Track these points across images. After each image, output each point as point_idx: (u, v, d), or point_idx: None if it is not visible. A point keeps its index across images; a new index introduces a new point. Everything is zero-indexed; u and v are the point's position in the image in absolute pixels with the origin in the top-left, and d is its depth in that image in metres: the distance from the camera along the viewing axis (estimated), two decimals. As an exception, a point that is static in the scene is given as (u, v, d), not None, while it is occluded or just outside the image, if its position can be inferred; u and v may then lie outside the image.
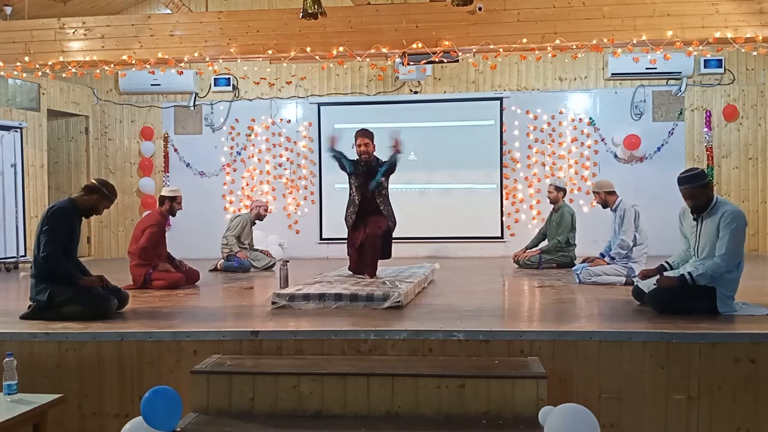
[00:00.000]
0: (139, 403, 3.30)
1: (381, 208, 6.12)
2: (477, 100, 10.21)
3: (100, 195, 4.77)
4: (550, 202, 8.23)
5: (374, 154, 6.19)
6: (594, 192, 6.72)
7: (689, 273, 4.44)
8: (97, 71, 7.91)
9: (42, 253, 4.55)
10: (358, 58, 7.25)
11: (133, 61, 7.46)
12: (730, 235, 4.33)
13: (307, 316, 4.57)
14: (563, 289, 6.02)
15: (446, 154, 10.14)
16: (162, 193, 6.95)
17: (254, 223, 8.45)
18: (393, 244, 6.26)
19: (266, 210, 8.51)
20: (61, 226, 4.60)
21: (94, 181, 4.91)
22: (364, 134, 6.16)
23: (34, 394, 3.53)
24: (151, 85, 10.21)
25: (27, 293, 4.75)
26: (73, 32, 7.50)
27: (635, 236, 6.29)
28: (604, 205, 6.58)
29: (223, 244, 8.17)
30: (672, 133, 9.89)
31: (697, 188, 4.45)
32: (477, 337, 3.90)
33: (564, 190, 8.25)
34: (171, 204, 6.74)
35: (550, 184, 8.24)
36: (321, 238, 10.43)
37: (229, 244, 8.11)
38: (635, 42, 6.79)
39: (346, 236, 6.34)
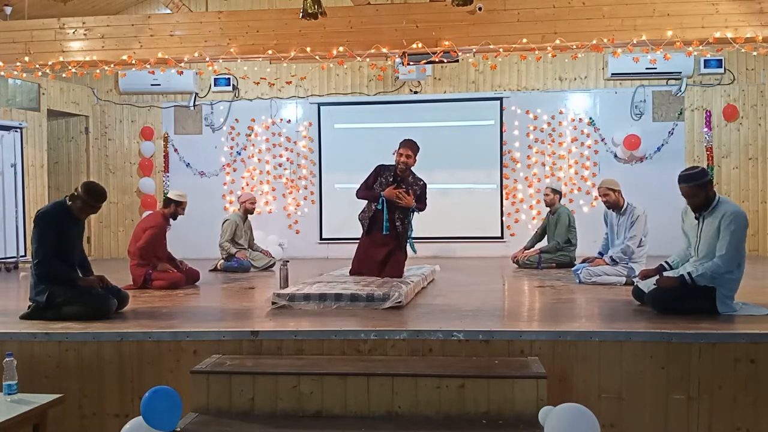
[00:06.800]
0: (139, 403, 3.30)
1: (397, 224, 6.08)
2: (477, 100, 10.21)
3: (81, 202, 4.61)
4: (547, 205, 8.27)
5: (411, 168, 6.18)
6: (610, 189, 6.28)
7: (689, 273, 4.43)
8: (97, 71, 7.91)
9: (35, 260, 4.55)
10: (358, 58, 7.24)
11: (133, 61, 7.46)
12: (731, 236, 4.32)
13: (307, 316, 4.57)
14: (563, 289, 6.02)
15: (446, 154, 10.13)
16: (169, 195, 6.86)
17: (246, 218, 8.37)
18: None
19: (252, 203, 8.39)
20: (48, 231, 4.54)
21: (78, 187, 4.71)
22: (408, 145, 6.11)
23: (34, 394, 3.53)
24: (151, 85, 10.22)
25: (27, 293, 4.74)
26: (73, 32, 7.50)
27: (641, 239, 6.24)
28: (612, 206, 6.32)
29: (221, 250, 8.17)
30: (672, 133, 9.89)
31: (696, 187, 4.42)
32: (477, 337, 3.90)
33: (560, 193, 8.28)
34: (176, 208, 6.73)
35: (547, 187, 8.28)
36: (321, 238, 10.43)
37: (225, 249, 8.10)
38: (635, 42, 6.79)
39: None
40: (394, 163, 6.17)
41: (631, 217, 6.22)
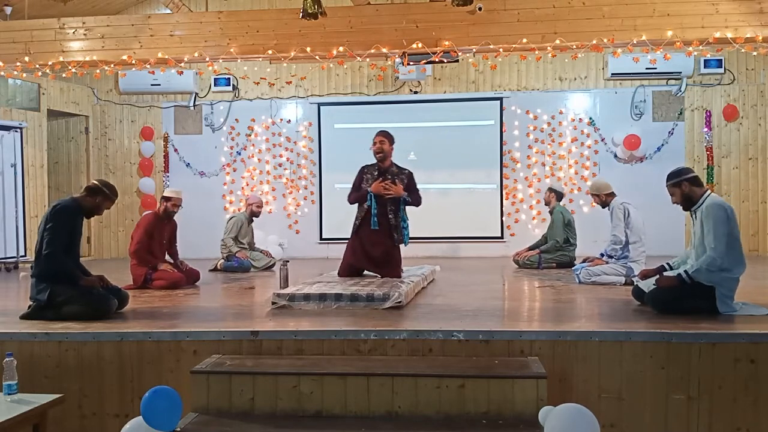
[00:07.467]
0: (139, 403, 3.30)
1: (390, 217, 6.05)
2: (477, 100, 10.21)
3: (103, 196, 4.79)
4: (545, 204, 8.35)
5: (391, 158, 6.18)
6: (594, 195, 6.68)
7: (685, 271, 4.45)
8: (97, 71, 7.89)
9: (45, 251, 4.55)
10: (358, 58, 7.23)
11: (133, 61, 7.45)
12: (714, 228, 4.35)
13: (307, 316, 4.57)
14: (563, 289, 6.02)
15: (446, 154, 10.14)
16: (163, 193, 7.00)
17: (251, 221, 8.44)
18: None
19: (259, 207, 8.47)
20: (64, 225, 4.61)
21: (95, 182, 4.91)
22: (380, 133, 6.15)
23: (34, 394, 3.53)
24: (151, 85, 10.22)
25: (27, 293, 4.75)
26: (73, 32, 7.49)
27: (626, 233, 6.32)
28: (605, 206, 6.61)
29: (222, 247, 8.19)
30: (672, 133, 9.89)
31: (671, 186, 4.57)
32: (477, 337, 3.90)
33: (559, 194, 8.29)
34: (166, 204, 6.74)
35: (548, 187, 8.36)
36: (321, 238, 10.44)
37: (227, 246, 8.12)
38: (635, 42, 6.78)
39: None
40: (374, 160, 6.18)
41: (609, 211, 6.48)
